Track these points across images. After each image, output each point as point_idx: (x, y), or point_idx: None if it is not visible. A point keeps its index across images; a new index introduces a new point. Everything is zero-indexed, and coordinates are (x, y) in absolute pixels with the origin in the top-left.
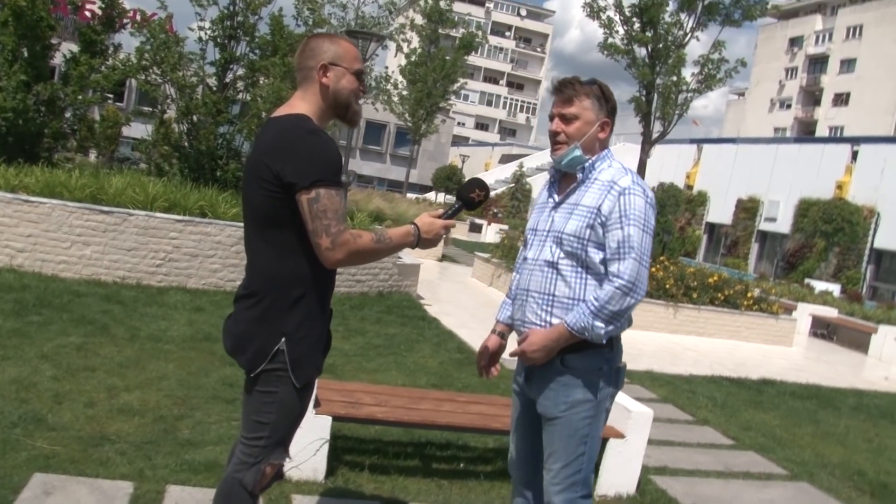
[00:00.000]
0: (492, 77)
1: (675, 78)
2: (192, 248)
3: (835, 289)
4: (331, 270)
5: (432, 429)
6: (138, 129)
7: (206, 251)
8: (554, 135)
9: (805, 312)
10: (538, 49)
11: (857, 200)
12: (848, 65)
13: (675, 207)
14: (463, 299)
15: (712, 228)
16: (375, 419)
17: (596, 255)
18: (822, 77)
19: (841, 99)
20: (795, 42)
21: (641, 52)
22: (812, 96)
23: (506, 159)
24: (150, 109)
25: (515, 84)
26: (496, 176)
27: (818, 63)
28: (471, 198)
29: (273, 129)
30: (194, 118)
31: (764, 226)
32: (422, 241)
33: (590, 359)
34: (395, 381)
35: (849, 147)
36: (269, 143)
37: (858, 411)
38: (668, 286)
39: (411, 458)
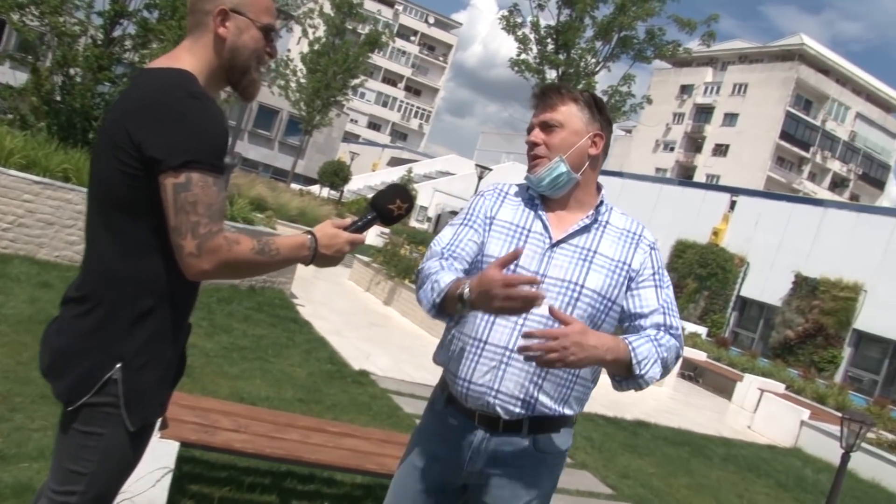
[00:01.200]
0: (391, 79)
1: None
2: (47, 215)
3: (702, 332)
4: (193, 281)
5: (298, 464)
6: (9, 76)
7: (65, 220)
8: (531, 147)
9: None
10: (441, 58)
11: (730, 248)
12: (731, 118)
13: None
14: (338, 303)
15: None
16: (232, 449)
17: (613, 321)
18: (706, 126)
19: (721, 149)
20: (686, 90)
21: (552, 73)
22: (694, 143)
23: (394, 162)
24: (24, 56)
25: (413, 89)
26: (383, 178)
27: (704, 112)
28: (389, 209)
29: (143, 86)
30: (71, 71)
31: None
32: (319, 257)
33: (562, 440)
34: (259, 391)
35: (728, 196)
36: (134, 101)
37: (728, 462)
38: None
39: (269, 492)
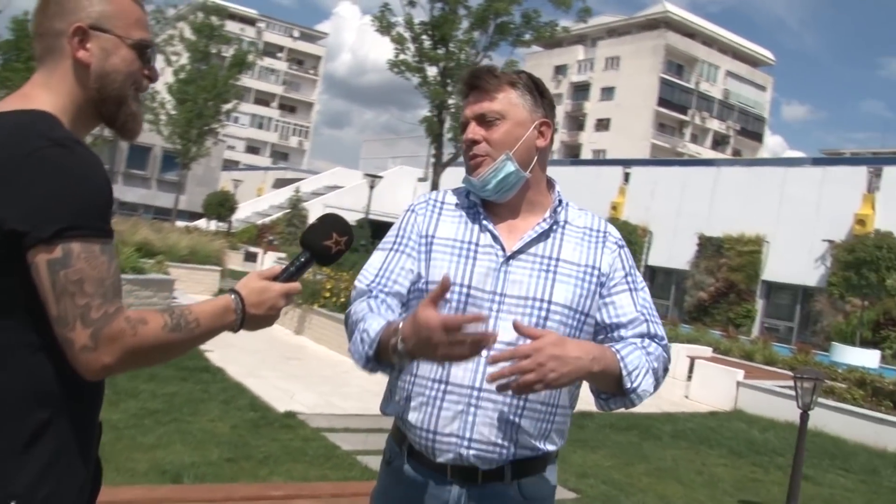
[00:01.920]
0: (263, 99)
1: None
2: None
3: None
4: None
5: None
6: None
7: None
8: (470, 145)
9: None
10: (311, 71)
11: (631, 220)
12: (608, 93)
13: None
14: (247, 341)
15: None
16: None
17: (588, 338)
18: (585, 103)
19: (602, 124)
20: (560, 70)
21: (433, 70)
22: (576, 121)
23: (280, 184)
24: None
25: (288, 106)
26: (271, 201)
27: (581, 90)
28: (325, 247)
29: None
30: None
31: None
32: (249, 319)
33: (549, 480)
34: (182, 458)
35: (621, 169)
36: None
37: (678, 438)
38: None
39: None
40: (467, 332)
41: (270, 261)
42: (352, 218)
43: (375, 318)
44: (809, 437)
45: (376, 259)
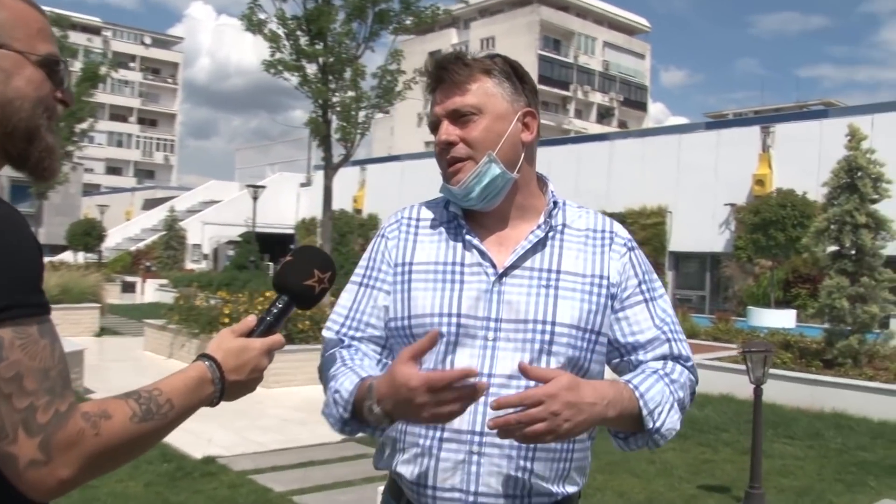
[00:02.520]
0: (120, 114)
1: (352, 93)
2: None
3: None
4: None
5: None
6: None
7: None
8: (445, 148)
9: None
10: (169, 80)
11: None
12: None
13: (351, 235)
14: (143, 382)
15: None
16: None
17: (601, 359)
18: None
19: None
20: (435, 56)
21: (312, 67)
22: None
23: (150, 204)
24: None
25: (148, 120)
26: (142, 224)
27: None
28: (306, 288)
29: None
30: None
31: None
32: (230, 387)
33: None
34: None
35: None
36: None
37: None
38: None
39: None
40: (455, 388)
41: (151, 289)
42: (235, 233)
43: (348, 374)
44: (746, 407)
45: (344, 299)
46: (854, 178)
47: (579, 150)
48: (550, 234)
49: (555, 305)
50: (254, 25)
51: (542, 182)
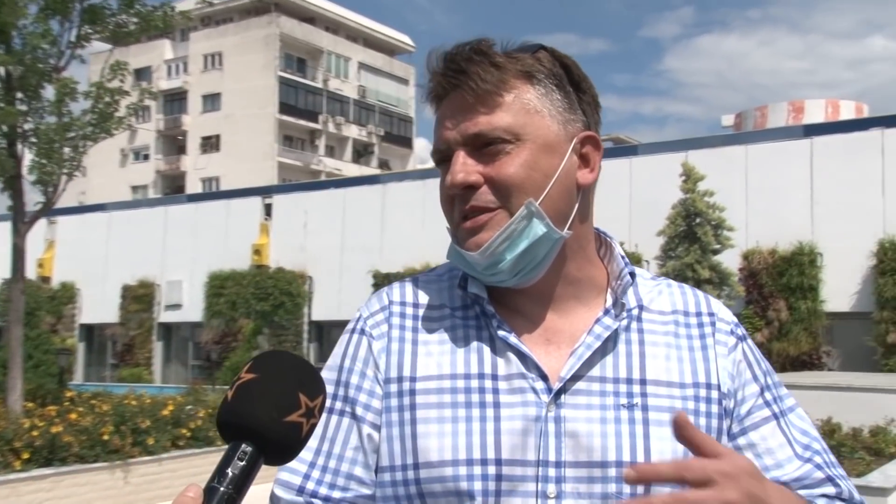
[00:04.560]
0: None
1: (55, 119)
2: None
3: None
4: None
5: None
6: None
7: None
8: (463, 195)
9: None
10: None
11: (284, 266)
12: (212, 101)
13: (40, 313)
14: None
15: (91, 331)
16: None
17: None
18: (184, 117)
19: (210, 143)
20: (143, 75)
21: None
22: (174, 142)
23: None
24: None
25: None
26: None
27: (176, 101)
28: (289, 427)
29: None
30: None
31: (166, 316)
32: None
33: None
34: None
35: (259, 200)
36: None
37: None
38: (104, 436)
39: None
40: None
41: None
42: None
43: None
44: None
45: (317, 434)
46: (692, 225)
47: (345, 195)
48: (625, 323)
49: (646, 437)
50: None
51: (600, 241)
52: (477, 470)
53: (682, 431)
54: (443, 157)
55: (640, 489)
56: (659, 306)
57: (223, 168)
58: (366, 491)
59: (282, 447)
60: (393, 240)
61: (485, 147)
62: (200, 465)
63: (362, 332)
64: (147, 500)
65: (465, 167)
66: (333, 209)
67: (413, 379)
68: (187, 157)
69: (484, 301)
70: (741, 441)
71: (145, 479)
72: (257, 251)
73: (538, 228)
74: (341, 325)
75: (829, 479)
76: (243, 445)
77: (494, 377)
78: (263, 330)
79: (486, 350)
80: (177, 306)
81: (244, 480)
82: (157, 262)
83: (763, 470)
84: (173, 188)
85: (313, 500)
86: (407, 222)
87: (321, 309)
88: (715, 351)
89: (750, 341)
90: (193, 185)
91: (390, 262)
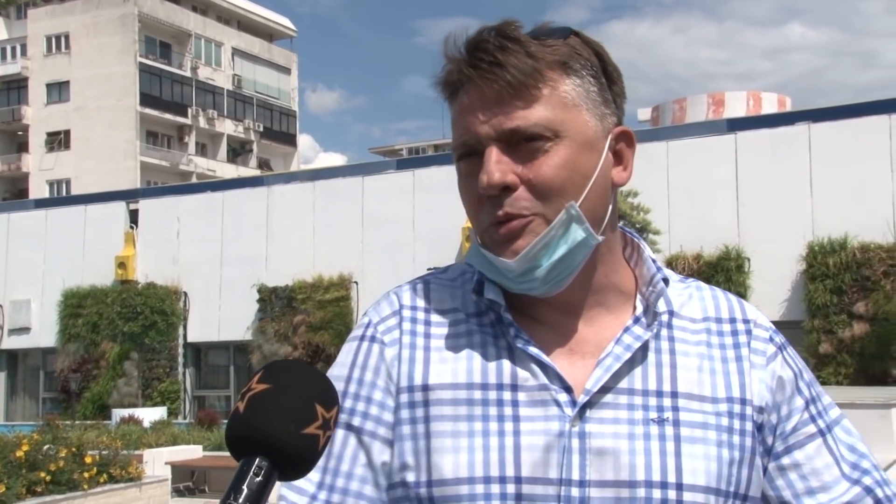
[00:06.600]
0: None
1: None
2: None
3: (161, 413)
4: None
5: None
6: None
7: None
8: (498, 194)
9: (159, 462)
10: None
11: (155, 281)
12: (59, 90)
13: None
14: None
15: None
16: None
17: None
18: (24, 110)
19: (58, 140)
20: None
21: None
22: (14, 139)
23: None
24: None
25: None
26: None
27: (14, 89)
28: (307, 440)
29: None
30: None
31: (11, 342)
32: None
33: None
34: None
35: (123, 206)
36: None
37: None
38: None
39: None
40: None
41: None
42: None
43: None
44: None
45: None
46: None
47: (224, 199)
48: (655, 332)
49: (677, 455)
50: None
51: (626, 242)
52: (495, 489)
53: None
54: (468, 152)
55: None
56: (690, 312)
57: (75, 169)
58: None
59: (298, 461)
60: (280, 249)
61: (520, 144)
62: None
63: (373, 338)
64: None
65: (501, 166)
66: (210, 215)
67: (426, 388)
68: (30, 155)
69: (501, 308)
70: (785, 461)
71: None
72: (122, 264)
73: (577, 233)
74: (222, 346)
75: (876, 502)
76: (258, 460)
77: (514, 388)
78: (132, 354)
79: (505, 360)
80: (24, 330)
81: (259, 496)
82: None
83: (808, 493)
84: (14, 192)
85: None
86: (296, 229)
87: (199, 329)
88: (750, 362)
89: (791, 350)
90: (39, 189)
91: (277, 274)
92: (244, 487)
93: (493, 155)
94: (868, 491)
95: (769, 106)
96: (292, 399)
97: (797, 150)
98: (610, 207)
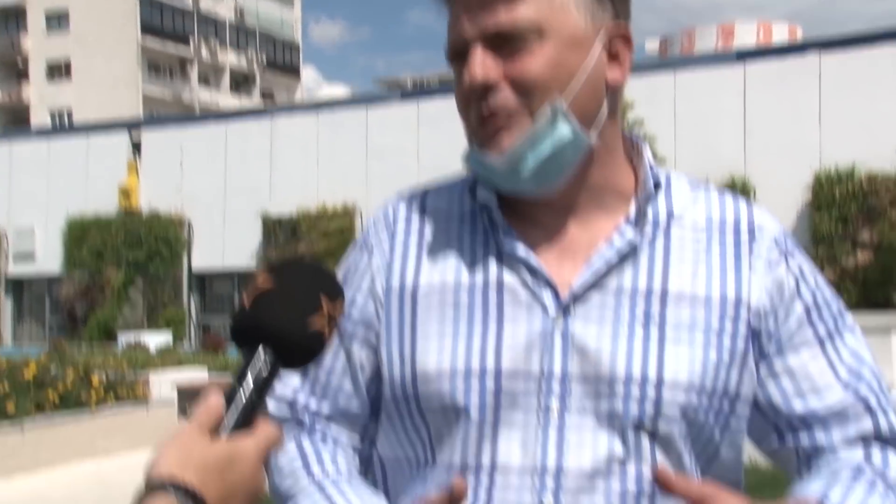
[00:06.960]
0: None
1: None
2: None
3: (166, 339)
4: None
5: None
6: None
7: None
8: (480, 95)
9: (165, 385)
10: None
11: (159, 209)
12: (58, 20)
13: None
14: None
15: None
16: None
17: (736, 437)
18: (24, 38)
19: (59, 69)
20: None
21: None
22: (13, 68)
23: None
24: None
25: None
26: None
27: (11, 18)
28: (310, 331)
29: None
30: None
31: (16, 269)
32: None
33: None
34: None
35: (125, 137)
36: None
37: None
38: None
39: None
40: None
41: None
42: None
43: (314, 493)
44: None
45: None
46: None
47: (226, 131)
48: (651, 233)
49: (660, 352)
50: None
51: (629, 146)
52: (476, 383)
53: (667, 486)
54: (457, 54)
55: (648, 408)
56: (693, 215)
57: (76, 99)
58: (355, 411)
59: (301, 351)
60: (284, 179)
61: (505, 43)
62: (72, 433)
63: (363, 246)
64: (8, 470)
65: (485, 65)
66: (214, 146)
67: (415, 287)
68: (30, 85)
69: (492, 208)
70: (778, 366)
71: (6, 448)
72: (125, 193)
73: (564, 131)
74: (226, 275)
75: (869, 410)
76: (262, 352)
77: (500, 288)
78: (136, 281)
79: (493, 260)
80: (28, 256)
81: (265, 386)
82: (1, 207)
83: (799, 395)
84: (15, 121)
85: (303, 416)
86: (299, 160)
87: (203, 258)
88: (750, 265)
89: (799, 256)
90: (40, 118)
91: (281, 203)
92: (249, 377)
93: (478, 54)
94: (861, 399)
95: (779, 36)
96: (296, 292)
97: (807, 80)
98: (605, 107)
